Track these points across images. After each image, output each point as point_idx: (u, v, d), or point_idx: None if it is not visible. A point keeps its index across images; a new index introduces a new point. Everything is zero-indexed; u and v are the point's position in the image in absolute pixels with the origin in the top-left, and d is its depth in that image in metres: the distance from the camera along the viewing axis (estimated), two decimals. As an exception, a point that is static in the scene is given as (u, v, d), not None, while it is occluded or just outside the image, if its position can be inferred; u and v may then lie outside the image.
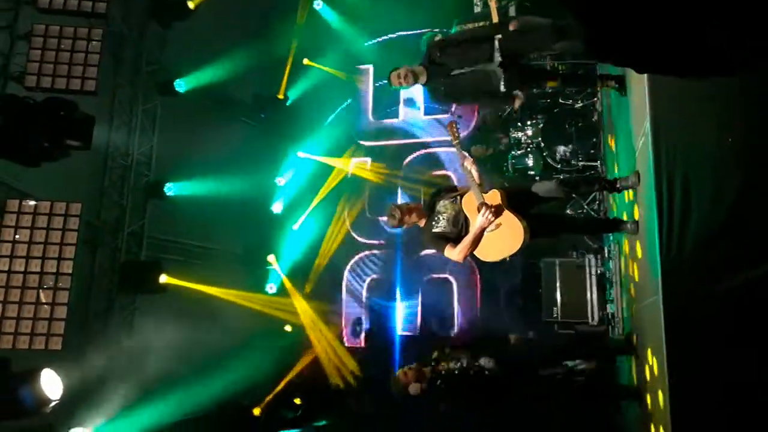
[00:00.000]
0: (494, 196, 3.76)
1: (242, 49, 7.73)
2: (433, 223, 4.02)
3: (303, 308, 8.08)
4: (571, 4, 1.40)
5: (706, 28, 1.30)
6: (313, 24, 8.56)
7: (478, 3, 4.56)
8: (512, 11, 6.44)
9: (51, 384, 5.01)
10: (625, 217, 4.29)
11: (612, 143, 4.85)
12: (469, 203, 3.86)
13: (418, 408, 4.78)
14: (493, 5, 4.48)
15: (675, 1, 1.29)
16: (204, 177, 7.48)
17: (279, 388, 7.70)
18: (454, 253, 3.87)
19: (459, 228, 3.95)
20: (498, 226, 3.75)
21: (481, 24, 4.58)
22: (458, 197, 3.99)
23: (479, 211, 3.70)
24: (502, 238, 3.75)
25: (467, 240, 3.79)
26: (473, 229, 3.76)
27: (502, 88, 4.47)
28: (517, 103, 4.48)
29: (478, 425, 4.93)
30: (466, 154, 3.87)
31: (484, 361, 4.11)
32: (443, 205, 4.02)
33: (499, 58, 4.33)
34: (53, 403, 5.01)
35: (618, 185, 4.12)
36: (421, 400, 4.16)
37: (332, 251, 8.32)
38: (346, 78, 8.56)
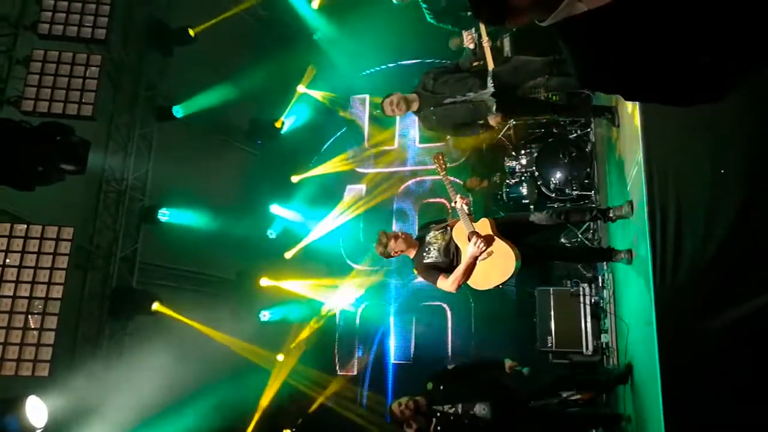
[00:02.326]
0: (484, 225, 3.82)
1: (240, 77, 7.82)
2: (424, 254, 4.06)
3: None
4: (560, 34, 1.41)
5: (695, 52, 1.31)
6: (312, 53, 8.67)
7: (470, 43, 4.58)
8: (507, 44, 6.55)
9: (36, 411, 4.90)
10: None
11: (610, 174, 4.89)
12: (459, 233, 3.90)
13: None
14: (486, 49, 4.56)
15: (662, 26, 1.30)
16: (198, 203, 7.47)
17: (256, 417, 7.57)
18: (447, 284, 3.90)
19: (450, 258, 3.98)
20: (490, 254, 3.78)
21: (475, 64, 4.68)
22: (448, 228, 4.02)
23: (470, 241, 3.74)
24: (494, 266, 3.78)
25: (459, 270, 3.82)
26: (465, 259, 3.79)
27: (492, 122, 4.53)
28: (493, 121, 4.49)
29: None
30: (453, 186, 3.92)
31: (478, 409, 4.07)
32: (433, 236, 4.06)
33: (492, 88, 4.40)
34: (38, 431, 4.90)
35: (611, 214, 4.14)
36: None
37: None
38: (335, 97, 8.65)
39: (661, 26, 1.30)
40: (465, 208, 3.81)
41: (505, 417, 4.08)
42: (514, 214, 4.64)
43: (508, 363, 4.54)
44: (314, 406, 7.78)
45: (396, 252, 4.12)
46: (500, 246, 3.76)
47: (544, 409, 4.41)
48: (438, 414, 4.06)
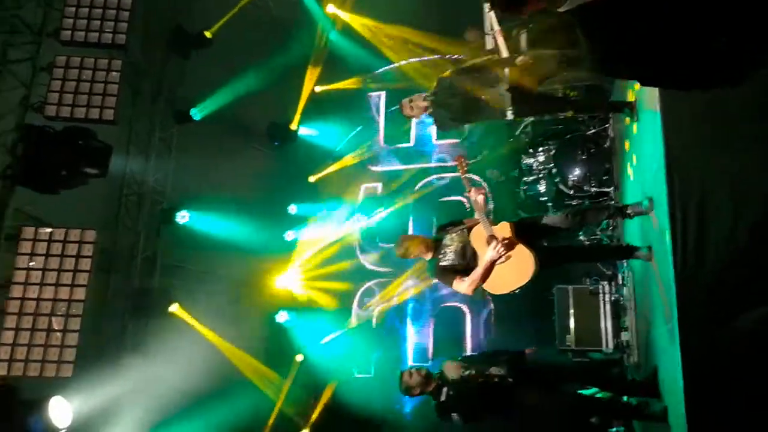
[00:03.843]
0: (504, 229, 3.77)
1: (258, 78, 7.86)
2: (440, 256, 4.04)
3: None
4: (578, 19, 1.39)
5: (708, 35, 1.29)
6: (328, 54, 8.69)
7: (490, 32, 4.59)
8: (523, 40, 6.49)
9: (60, 412, 5.00)
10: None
11: (629, 170, 4.81)
12: (477, 236, 3.86)
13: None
14: (501, 41, 4.52)
15: (676, 9, 1.27)
16: (218, 204, 7.55)
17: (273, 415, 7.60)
18: (463, 287, 3.89)
19: (467, 260, 3.95)
20: (508, 258, 3.74)
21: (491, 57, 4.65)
22: (465, 229, 3.99)
23: (489, 244, 3.72)
24: (512, 270, 3.75)
25: (477, 273, 3.80)
26: (483, 263, 3.77)
27: (510, 116, 4.48)
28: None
29: None
30: (474, 186, 3.86)
31: (494, 370, 4.04)
32: (450, 239, 4.03)
33: (507, 85, 4.37)
34: (62, 431, 4.99)
35: (629, 211, 4.07)
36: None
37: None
38: (361, 86, 8.59)
39: (679, 5, 1.27)
40: (481, 201, 3.77)
41: (521, 376, 4.03)
42: (531, 217, 4.59)
43: (528, 350, 4.49)
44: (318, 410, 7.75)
45: (414, 254, 4.11)
46: (519, 250, 3.72)
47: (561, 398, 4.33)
48: (450, 380, 4.04)
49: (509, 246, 3.70)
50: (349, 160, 8.57)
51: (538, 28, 4.65)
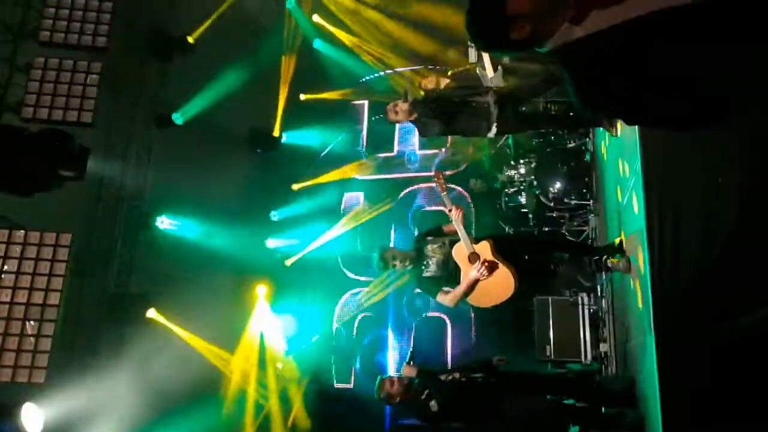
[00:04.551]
0: (485, 248, 3.92)
1: (241, 84, 7.83)
2: (423, 267, 4.15)
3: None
4: (561, 59, 1.40)
5: (698, 81, 1.30)
6: (311, 62, 8.71)
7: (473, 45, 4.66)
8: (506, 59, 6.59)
9: (32, 418, 4.88)
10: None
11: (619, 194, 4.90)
12: (459, 252, 4.00)
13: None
14: (485, 56, 4.60)
15: (666, 55, 1.29)
16: (197, 210, 7.46)
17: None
18: (446, 300, 4.05)
19: (449, 272, 4.10)
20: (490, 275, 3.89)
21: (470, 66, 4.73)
22: (446, 242, 4.12)
23: (470, 262, 3.88)
24: (494, 287, 3.93)
25: (459, 290, 3.96)
26: (465, 280, 3.91)
27: (494, 130, 4.53)
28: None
29: None
30: (453, 205, 3.99)
31: (475, 375, 4.13)
32: (432, 250, 4.15)
33: (494, 96, 4.42)
34: (33, 439, 4.87)
35: (609, 265, 4.25)
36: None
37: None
38: (345, 98, 8.62)
39: (663, 52, 1.28)
40: (460, 218, 3.89)
41: (502, 384, 4.12)
42: (510, 235, 4.75)
43: (495, 359, 4.53)
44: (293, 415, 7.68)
45: (397, 265, 4.20)
46: (501, 269, 3.88)
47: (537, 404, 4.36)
48: (432, 382, 4.07)
49: (491, 268, 3.86)
50: (333, 172, 8.54)
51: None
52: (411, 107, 4.57)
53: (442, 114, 4.51)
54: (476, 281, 3.88)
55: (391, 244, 7.82)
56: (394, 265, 4.16)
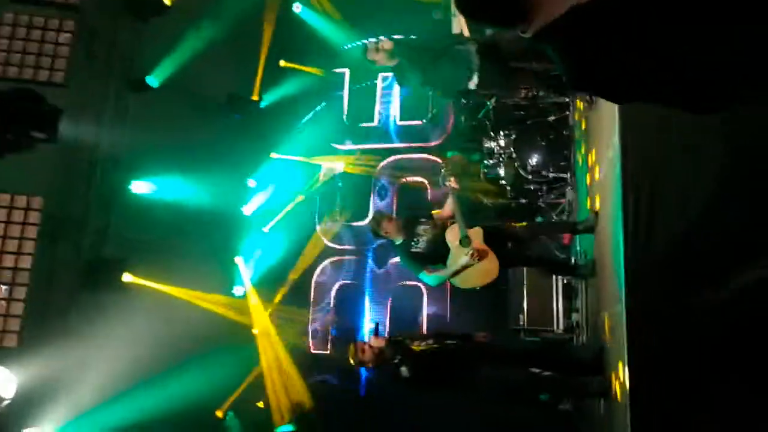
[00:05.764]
0: (477, 234, 4.26)
1: (218, 48, 7.64)
2: (412, 243, 4.39)
3: (261, 317, 7.92)
4: (549, 40, 1.36)
5: (684, 63, 1.28)
6: (291, 26, 8.52)
7: (456, 15, 4.63)
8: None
9: (4, 382, 4.85)
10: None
11: (590, 157, 4.93)
12: (452, 234, 4.29)
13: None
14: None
15: (653, 36, 1.26)
16: (173, 175, 7.34)
17: (240, 390, 7.57)
18: (431, 279, 4.37)
19: (437, 252, 4.35)
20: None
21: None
22: (439, 226, 4.41)
23: (462, 245, 4.17)
24: (477, 272, 4.24)
25: (448, 273, 4.26)
26: (456, 265, 4.19)
27: (475, 80, 4.51)
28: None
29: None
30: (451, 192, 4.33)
31: (449, 342, 4.26)
32: (424, 229, 4.42)
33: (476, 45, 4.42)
34: (5, 402, 4.85)
35: (580, 227, 4.60)
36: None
37: (308, 258, 8.19)
38: (323, 74, 8.50)
39: (648, 31, 1.25)
40: (457, 211, 4.22)
41: (476, 352, 4.26)
42: (497, 225, 4.95)
43: (478, 334, 4.60)
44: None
45: (386, 233, 4.43)
46: (490, 257, 4.23)
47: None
48: (403, 349, 4.11)
49: (482, 255, 4.17)
50: (312, 141, 8.44)
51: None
52: (394, 48, 4.53)
53: (422, 59, 4.51)
54: (466, 268, 4.15)
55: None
56: (387, 233, 4.31)
